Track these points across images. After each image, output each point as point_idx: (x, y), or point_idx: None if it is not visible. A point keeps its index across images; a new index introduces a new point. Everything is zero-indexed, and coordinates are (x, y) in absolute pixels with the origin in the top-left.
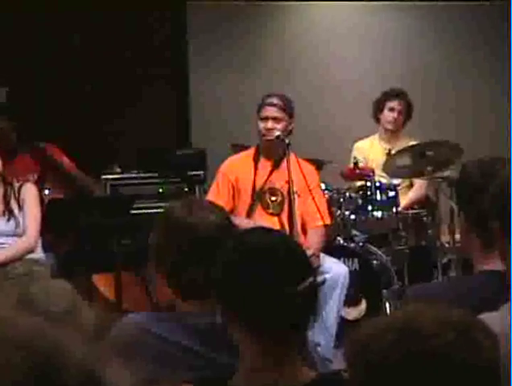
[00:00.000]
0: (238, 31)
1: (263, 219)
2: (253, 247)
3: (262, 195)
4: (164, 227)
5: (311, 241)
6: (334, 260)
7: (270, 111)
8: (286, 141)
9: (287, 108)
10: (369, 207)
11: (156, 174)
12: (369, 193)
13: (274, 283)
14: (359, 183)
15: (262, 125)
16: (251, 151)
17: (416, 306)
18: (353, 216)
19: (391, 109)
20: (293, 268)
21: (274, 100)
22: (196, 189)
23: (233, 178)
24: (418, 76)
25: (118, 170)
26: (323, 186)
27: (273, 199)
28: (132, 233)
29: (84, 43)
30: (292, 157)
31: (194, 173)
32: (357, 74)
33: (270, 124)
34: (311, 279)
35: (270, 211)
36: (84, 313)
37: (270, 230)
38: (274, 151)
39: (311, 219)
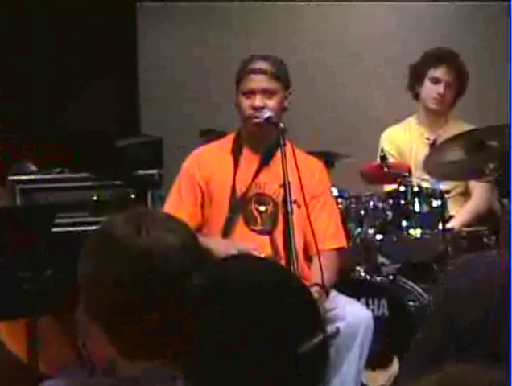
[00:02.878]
0: None
1: (247, 240)
2: (233, 286)
3: (245, 203)
4: (100, 253)
5: (318, 272)
6: (352, 301)
7: (258, 81)
8: (281, 125)
9: (282, 76)
10: (404, 223)
11: (88, 175)
12: (403, 202)
13: (265, 340)
14: (389, 188)
15: (245, 102)
16: (228, 140)
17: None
18: (379, 236)
19: (436, 80)
20: (291, 318)
21: (263, 65)
22: (148, 196)
23: (203, 180)
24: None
25: (33, 168)
26: (335, 191)
27: (261, 209)
28: (52, 261)
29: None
30: (289, 148)
31: (145, 172)
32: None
33: (258, 100)
34: (317, 334)
35: (258, 227)
36: None
37: (256, 258)
38: (262, 140)
39: (318, 239)
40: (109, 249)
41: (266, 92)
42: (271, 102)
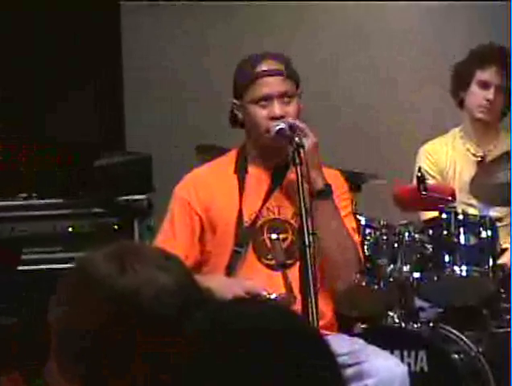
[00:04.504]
0: None
1: (258, 277)
2: (233, 336)
3: (255, 233)
4: (76, 296)
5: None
6: (384, 353)
7: (274, 84)
8: (296, 139)
9: (295, 75)
10: (447, 259)
11: (61, 201)
12: (445, 233)
13: None
14: (428, 215)
15: (260, 112)
16: (230, 158)
17: None
18: (416, 274)
19: (484, 84)
20: (302, 374)
21: (276, 64)
22: (135, 226)
23: (202, 208)
24: None
25: None
26: (362, 220)
27: (277, 238)
28: (17, 306)
29: None
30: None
31: (131, 198)
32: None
33: (277, 107)
34: None
35: (271, 261)
36: None
37: (263, 302)
38: (273, 156)
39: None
40: (87, 291)
41: (284, 97)
42: (291, 108)
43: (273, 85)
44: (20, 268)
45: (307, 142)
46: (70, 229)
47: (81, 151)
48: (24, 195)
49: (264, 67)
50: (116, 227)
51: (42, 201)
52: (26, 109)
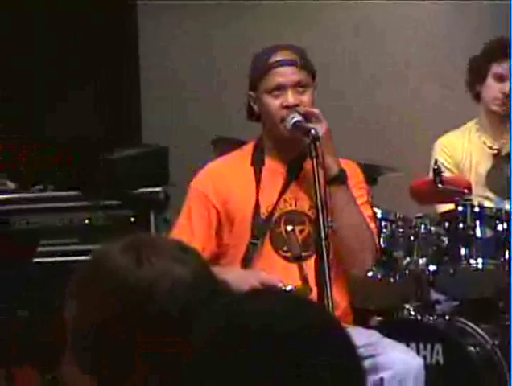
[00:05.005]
0: None
1: (275, 268)
2: (248, 331)
3: (272, 225)
4: (92, 288)
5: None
6: (399, 346)
7: (288, 73)
8: (313, 131)
9: (310, 66)
10: (463, 252)
11: (79, 193)
12: (461, 226)
13: None
14: (444, 208)
15: (274, 102)
16: (247, 151)
17: None
18: (432, 267)
19: (500, 77)
20: (322, 373)
21: (290, 55)
22: (151, 219)
23: (219, 201)
24: None
25: (12, 185)
26: (378, 213)
27: (294, 229)
28: (34, 298)
29: None
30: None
31: (147, 190)
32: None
33: (291, 96)
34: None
35: (288, 253)
36: None
37: (281, 295)
38: (290, 149)
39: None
40: (104, 284)
41: (298, 87)
42: (305, 98)
43: (286, 74)
44: (36, 260)
45: (322, 129)
46: (86, 221)
47: (99, 144)
48: (40, 186)
49: (278, 57)
50: (132, 219)
51: (58, 193)
52: (40, 104)
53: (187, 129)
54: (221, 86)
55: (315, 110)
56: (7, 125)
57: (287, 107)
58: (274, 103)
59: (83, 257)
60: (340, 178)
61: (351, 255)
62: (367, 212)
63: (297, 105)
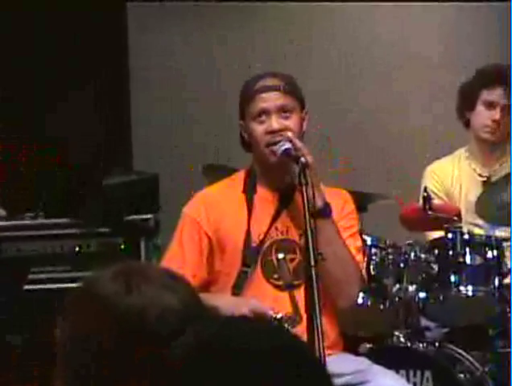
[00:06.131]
0: None
1: (264, 296)
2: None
3: (263, 253)
4: (82, 314)
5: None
6: (389, 372)
7: (272, 98)
8: (302, 159)
9: (297, 92)
10: (452, 279)
11: (70, 221)
12: (451, 253)
13: None
14: (434, 235)
15: (258, 128)
16: (239, 178)
17: None
18: (422, 294)
19: (490, 104)
20: None
21: (274, 81)
22: (142, 246)
23: (211, 228)
24: None
25: (2, 212)
26: (368, 240)
27: (285, 258)
28: (23, 325)
29: None
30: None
31: (137, 217)
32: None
33: (275, 121)
34: None
35: (278, 281)
36: None
37: (255, 324)
38: (281, 176)
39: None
40: (94, 309)
41: (282, 112)
42: (290, 122)
43: (269, 100)
44: (27, 287)
45: (309, 158)
46: (77, 249)
47: (89, 170)
48: (31, 214)
49: (262, 83)
50: (122, 246)
51: (49, 221)
52: (40, 104)
53: (186, 131)
54: (221, 86)
55: (299, 143)
56: (7, 125)
57: (271, 132)
58: (258, 129)
59: (74, 284)
60: (324, 212)
61: (337, 287)
62: (355, 243)
63: (281, 130)
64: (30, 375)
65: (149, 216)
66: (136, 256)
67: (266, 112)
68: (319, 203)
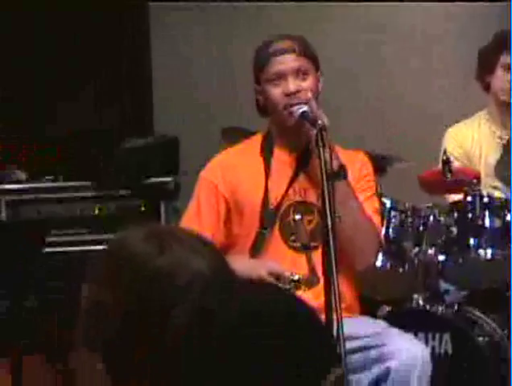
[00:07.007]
0: None
1: (283, 258)
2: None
3: (281, 215)
4: (113, 277)
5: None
6: (407, 335)
7: (288, 61)
8: (319, 122)
9: (311, 54)
10: (472, 242)
11: (89, 183)
12: (470, 215)
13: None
14: (453, 198)
15: (274, 90)
16: (256, 141)
17: None
18: (441, 257)
19: (509, 68)
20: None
21: (289, 43)
22: (161, 209)
23: (228, 191)
24: None
25: (22, 176)
26: (387, 202)
27: (303, 220)
28: (43, 288)
29: None
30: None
31: (157, 180)
32: None
33: (291, 82)
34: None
35: (296, 243)
36: None
37: (277, 293)
38: (298, 138)
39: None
40: (126, 268)
41: (299, 73)
42: (306, 84)
43: (285, 62)
44: (46, 250)
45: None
46: (96, 212)
47: (108, 134)
48: (50, 177)
49: (276, 46)
50: (142, 209)
51: (68, 183)
52: (61, 98)
53: (199, 125)
54: (235, 85)
55: (315, 106)
56: (10, 119)
57: (288, 94)
58: (275, 91)
59: (93, 247)
60: (340, 174)
61: (353, 249)
62: (373, 205)
63: (298, 92)
64: (48, 339)
65: (169, 179)
66: (155, 219)
67: (282, 74)
68: (334, 165)
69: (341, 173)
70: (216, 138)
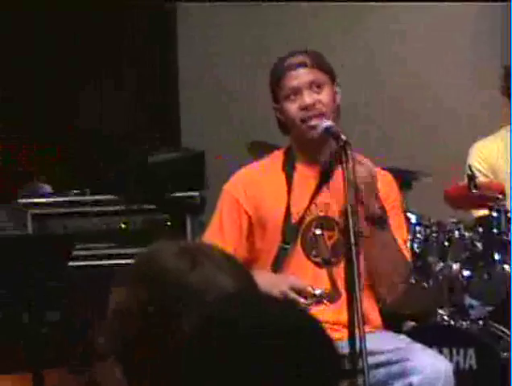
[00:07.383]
0: None
1: (304, 273)
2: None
3: (303, 230)
4: (142, 290)
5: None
6: (431, 351)
7: (301, 75)
8: (343, 137)
9: (325, 66)
10: (497, 257)
11: (116, 198)
12: (495, 231)
13: None
14: (478, 213)
15: (291, 106)
16: (278, 156)
17: None
18: (466, 272)
19: None
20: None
21: (301, 58)
22: (187, 223)
23: (251, 206)
24: None
25: (47, 188)
26: (412, 218)
27: (324, 235)
28: (68, 301)
29: None
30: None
31: (183, 194)
32: None
33: (307, 95)
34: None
35: (318, 258)
36: None
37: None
38: (320, 152)
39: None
40: (156, 281)
41: (313, 86)
42: (322, 97)
43: (298, 76)
44: (71, 263)
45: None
46: (122, 226)
47: (135, 148)
48: (77, 190)
49: (289, 62)
50: (168, 223)
51: (95, 197)
52: (83, 107)
53: (226, 131)
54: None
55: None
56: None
57: (304, 108)
58: (292, 107)
59: (118, 261)
60: (383, 221)
61: (385, 285)
62: (402, 236)
63: (314, 104)
64: (71, 353)
65: (195, 194)
66: (181, 234)
67: (297, 89)
68: (377, 211)
69: (383, 219)
70: (243, 153)
